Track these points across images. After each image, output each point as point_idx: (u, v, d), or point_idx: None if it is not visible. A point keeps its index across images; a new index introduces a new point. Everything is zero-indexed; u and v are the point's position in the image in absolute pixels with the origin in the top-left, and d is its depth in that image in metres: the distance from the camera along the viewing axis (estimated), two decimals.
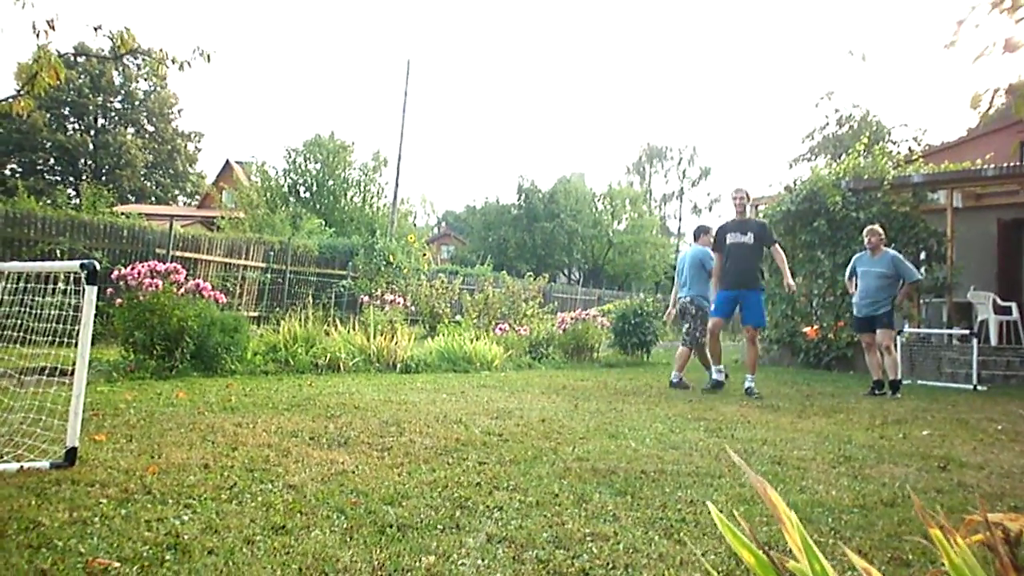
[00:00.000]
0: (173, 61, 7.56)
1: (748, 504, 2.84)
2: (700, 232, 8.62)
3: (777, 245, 7.79)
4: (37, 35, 6.50)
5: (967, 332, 10.13)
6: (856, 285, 8.12)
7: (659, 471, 3.36)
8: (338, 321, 9.43)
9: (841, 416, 5.70)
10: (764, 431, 4.74)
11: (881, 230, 8.11)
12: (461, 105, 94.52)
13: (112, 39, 7.22)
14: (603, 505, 2.76)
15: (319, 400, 5.33)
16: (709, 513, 2.68)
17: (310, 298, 13.01)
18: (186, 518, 2.35)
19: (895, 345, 7.98)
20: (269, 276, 14.61)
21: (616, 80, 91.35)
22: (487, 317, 13.51)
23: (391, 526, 2.39)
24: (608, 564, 2.11)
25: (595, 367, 10.63)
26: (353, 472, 3.12)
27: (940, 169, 12.09)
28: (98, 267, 3.12)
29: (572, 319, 11.52)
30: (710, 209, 54.48)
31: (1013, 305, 11.79)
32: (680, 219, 55.92)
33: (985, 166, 11.62)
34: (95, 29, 7.22)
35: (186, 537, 2.17)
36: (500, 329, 11.02)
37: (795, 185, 12.82)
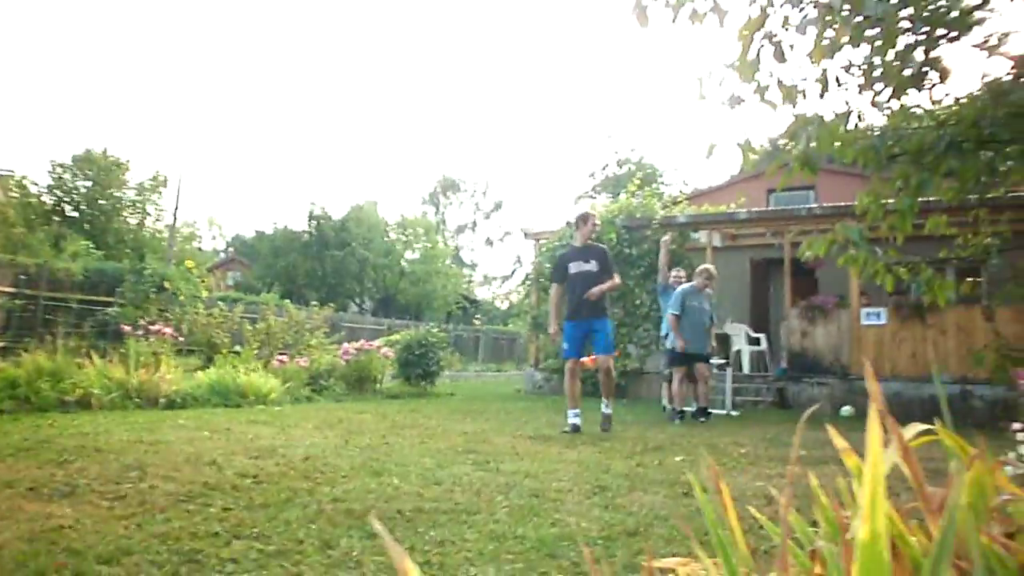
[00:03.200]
0: None
1: (498, 541, 2.82)
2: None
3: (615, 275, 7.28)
4: None
5: (723, 361, 10.99)
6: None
7: (416, 509, 3.28)
8: (96, 353, 8.60)
9: (607, 444, 5.93)
10: (530, 463, 4.81)
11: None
12: (255, 126, 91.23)
13: None
14: (349, 551, 2.63)
15: (55, 442, 4.78)
16: (457, 554, 2.63)
17: (62, 328, 11.82)
18: None
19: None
20: (18, 302, 13.16)
21: (411, 110, 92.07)
22: (269, 347, 12.93)
23: None
24: None
25: (378, 398, 10.46)
26: (72, 527, 2.79)
27: (702, 211, 13.15)
28: None
29: (356, 349, 11.28)
30: (502, 240, 56.05)
31: (763, 336, 12.98)
32: (473, 250, 57.05)
33: (739, 210, 12.77)
34: None
35: None
36: (280, 360, 10.57)
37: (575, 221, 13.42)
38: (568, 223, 13.53)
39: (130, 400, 7.55)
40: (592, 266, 7.06)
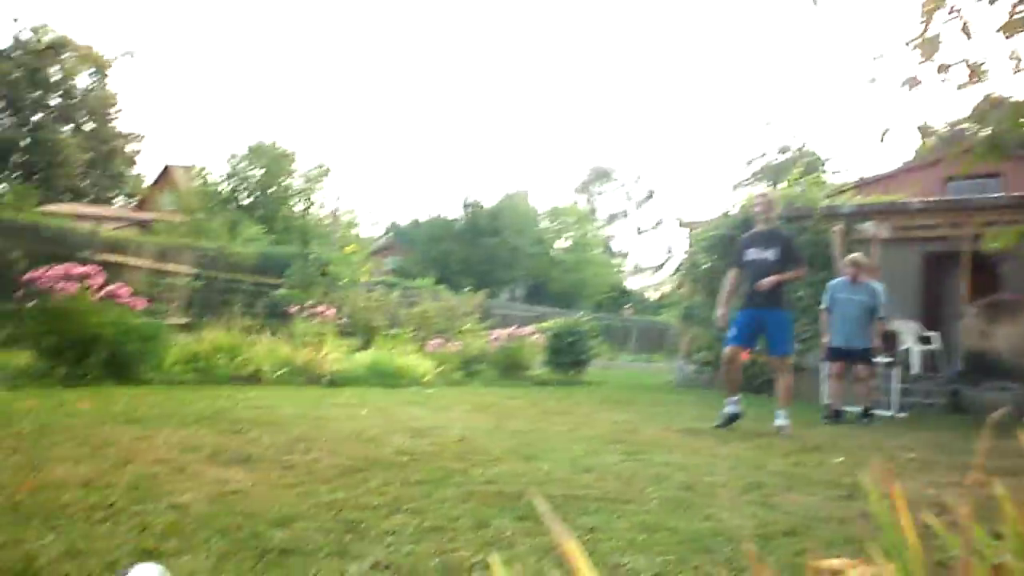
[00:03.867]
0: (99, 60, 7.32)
1: (649, 532, 2.79)
2: None
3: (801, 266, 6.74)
4: None
5: (890, 360, 10.37)
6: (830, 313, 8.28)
7: (567, 496, 3.30)
8: (266, 332, 9.19)
9: (761, 441, 5.74)
10: (681, 455, 4.73)
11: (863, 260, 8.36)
12: (413, 118, 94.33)
13: (35, 33, 6.97)
14: (501, 531, 2.68)
15: (231, 413, 5.16)
16: (607, 542, 2.63)
17: (237, 308, 12.68)
18: (48, 540, 2.21)
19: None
20: (200, 283, 14.25)
21: (563, 99, 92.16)
22: (424, 331, 13.38)
23: (272, 550, 2.28)
24: None
25: (527, 384, 10.59)
26: (247, 492, 3.00)
27: (870, 201, 12.41)
28: None
29: (507, 336, 11.47)
30: (654, 229, 55.27)
31: (935, 335, 12.12)
32: (625, 239, 56.61)
33: (912, 199, 11.97)
34: (14, 20, 6.97)
35: (42, 561, 2.03)
36: (434, 344, 10.90)
37: (732, 210, 13.04)
38: (725, 213, 13.17)
39: (296, 377, 8.02)
40: (771, 254, 6.51)
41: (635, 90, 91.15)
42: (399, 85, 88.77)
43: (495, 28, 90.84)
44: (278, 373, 7.86)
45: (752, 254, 6.65)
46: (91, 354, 6.44)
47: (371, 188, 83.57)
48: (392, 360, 9.12)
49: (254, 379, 7.66)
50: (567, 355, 12.01)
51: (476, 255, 38.51)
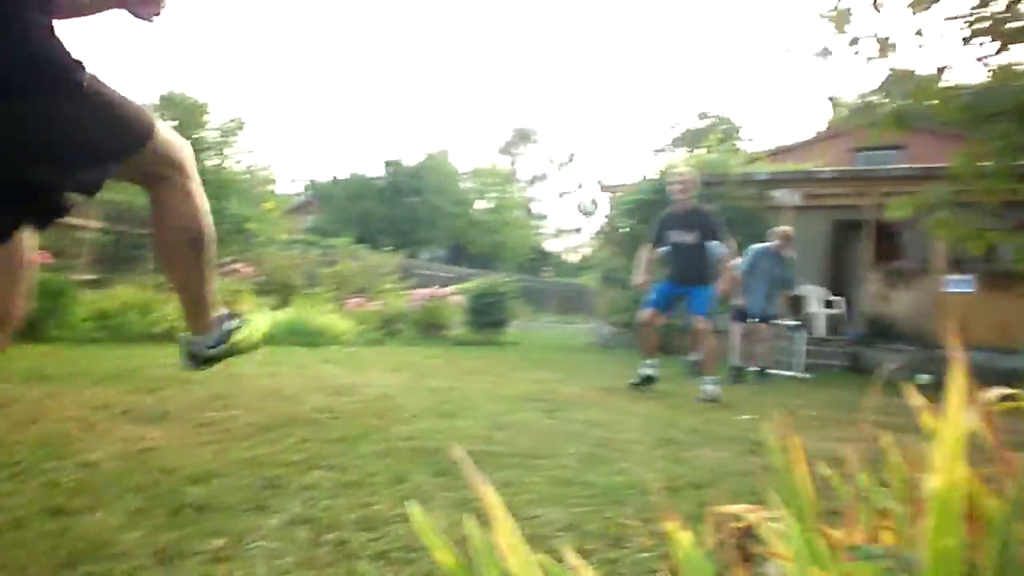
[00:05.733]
0: None
1: (564, 486, 2.87)
2: None
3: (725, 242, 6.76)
4: None
5: (797, 323, 10.80)
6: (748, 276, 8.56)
7: (483, 452, 3.36)
8: None
9: (675, 400, 5.94)
10: (598, 413, 4.86)
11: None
12: (332, 73, 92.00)
13: None
14: (419, 486, 2.72)
15: (145, 371, 5.04)
16: (522, 495, 2.70)
17: (148, 264, 12.27)
18: None
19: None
20: (109, 237, 13.70)
21: (486, 59, 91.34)
22: (343, 290, 13.24)
23: (188, 506, 2.26)
24: (407, 547, 2.08)
25: (447, 344, 10.63)
26: (161, 449, 2.95)
27: (783, 168, 12.81)
28: None
29: (427, 296, 11.46)
30: (575, 193, 55.63)
31: (840, 300, 12.68)
32: (545, 202, 56.91)
33: (823, 168, 12.40)
34: None
35: None
36: (353, 303, 10.82)
37: (652, 175, 13.26)
38: (645, 177, 13.37)
39: None
40: (692, 237, 6.53)
41: (558, 52, 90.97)
42: (319, 38, 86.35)
43: None
44: None
45: (674, 236, 6.62)
46: None
47: (289, 144, 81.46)
48: (311, 319, 9.01)
49: (169, 337, 7.45)
50: (487, 316, 12.08)
51: (397, 214, 38.15)
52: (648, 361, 6.58)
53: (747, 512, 1.12)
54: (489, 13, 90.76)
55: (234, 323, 2.58)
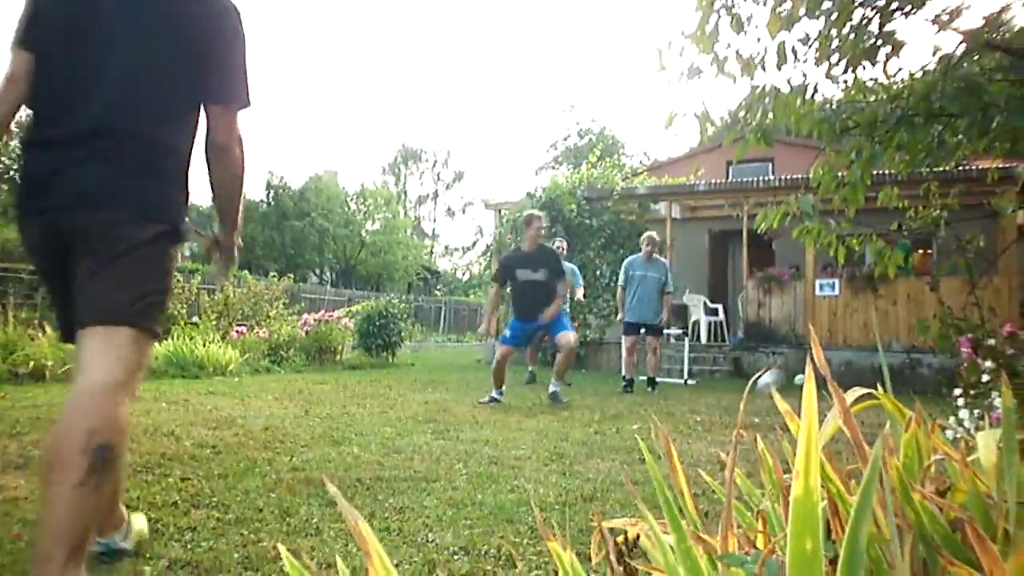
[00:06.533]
0: None
1: (457, 507, 2.86)
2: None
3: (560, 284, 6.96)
4: None
5: (681, 331, 11.15)
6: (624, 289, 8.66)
7: (376, 478, 3.31)
8: (48, 325, 8.42)
9: (565, 414, 6.01)
10: (490, 431, 4.86)
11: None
12: None
13: None
14: (308, 518, 2.65)
15: (8, 415, 4.72)
16: (415, 520, 2.66)
17: (12, 300, 11.53)
18: None
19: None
20: None
21: (371, 78, 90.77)
22: (227, 319, 12.79)
23: None
24: None
25: (338, 369, 10.44)
26: (27, 499, 2.76)
27: (662, 183, 13.24)
28: None
29: (316, 320, 11.23)
30: (463, 212, 55.81)
31: (720, 307, 13.18)
32: (435, 221, 56.81)
33: (698, 182, 12.88)
34: None
35: None
36: (238, 331, 10.47)
37: (536, 192, 13.43)
38: (529, 194, 13.54)
39: None
40: (540, 275, 6.80)
41: (444, 72, 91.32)
42: None
43: (306, 4, 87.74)
44: (64, 368, 7.24)
45: (522, 275, 6.87)
46: None
47: None
48: (193, 350, 8.66)
49: (37, 376, 7.03)
50: (377, 338, 11.94)
51: (282, 238, 37.25)
52: (496, 390, 6.80)
53: (630, 525, 1.14)
54: (374, 31, 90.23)
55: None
